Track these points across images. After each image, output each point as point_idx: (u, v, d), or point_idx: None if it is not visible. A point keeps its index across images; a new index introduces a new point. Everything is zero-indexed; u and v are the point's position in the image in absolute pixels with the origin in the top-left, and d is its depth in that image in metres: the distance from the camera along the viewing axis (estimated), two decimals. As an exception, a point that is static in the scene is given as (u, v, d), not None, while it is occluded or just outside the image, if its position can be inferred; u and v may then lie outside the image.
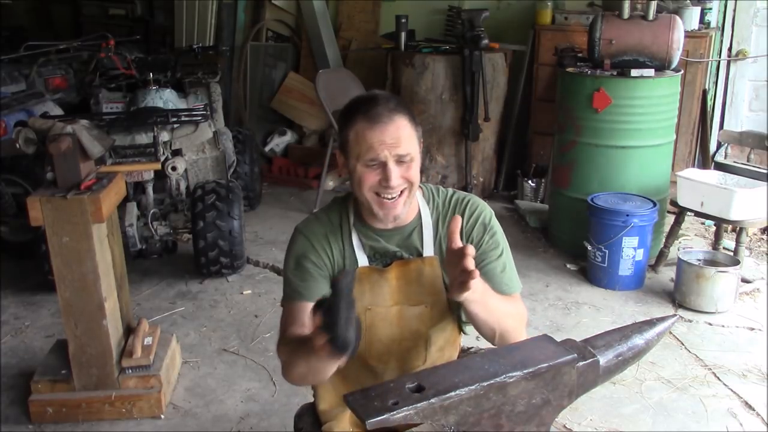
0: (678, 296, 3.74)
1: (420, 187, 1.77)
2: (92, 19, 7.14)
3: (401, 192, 1.63)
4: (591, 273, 4.01)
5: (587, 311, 3.71)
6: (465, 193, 1.80)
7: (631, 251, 3.80)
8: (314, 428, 1.86)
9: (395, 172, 1.59)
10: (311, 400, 2.02)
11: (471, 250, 1.44)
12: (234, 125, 5.77)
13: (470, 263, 1.43)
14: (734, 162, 4.45)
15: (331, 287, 1.33)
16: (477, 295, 1.51)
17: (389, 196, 1.62)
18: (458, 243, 1.49)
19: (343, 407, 1.72)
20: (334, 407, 1.82)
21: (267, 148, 6.31)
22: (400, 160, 1.60)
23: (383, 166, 1.59)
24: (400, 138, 1.58)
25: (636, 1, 4.37)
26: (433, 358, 1.76)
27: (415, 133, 1.64)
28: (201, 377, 3.17)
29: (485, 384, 1.27)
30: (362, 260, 1.71)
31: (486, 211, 1.76)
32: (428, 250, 1.72)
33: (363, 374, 1.76)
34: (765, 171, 4.00)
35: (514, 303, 1.72)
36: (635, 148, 4.13)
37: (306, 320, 1.63)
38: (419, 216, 1.73)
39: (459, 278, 1.45)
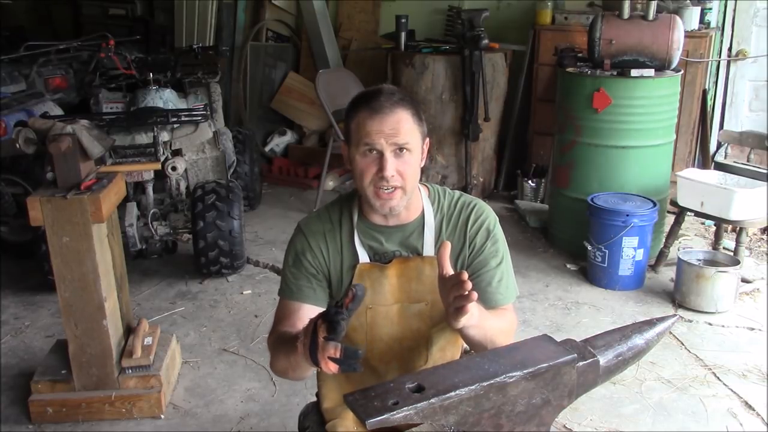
0: (678, 296, 3.74)
1: (426, 186, 1.78)
2: (92, 19, 7.13)
3: (398, 187, 1.62)
4: (591, 273, 4.01)
5: (587, 311, 3.71)
6: (472, 197, 1.79)
7: (631, 251, 3.80)
8: (319, 427, 1.87)
9: (391, 163, 1.59)
10: (311, 399, 2.02)
11: (465, 275, 1.42)
12: (234, 125, 5.77)
13: (468, 287, 1.40)
14: (734, 162, 4.45)
15: (341, 302, 1.35)
16: (475, 320, 1.50)
17: (385, 188, 1.62)
18: (449, 270, 1.47)
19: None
20: (338, 405, 1.83)
21: (267, 148, 6.31)
22: (398, 150, 1.60)
23: (380, 155, 1.60)
24: (399, 129, 1.59)
25: (636, 1, 4.37)
26: (435, 358, 1.76)
27: (418, 129, 1.64)
28: (201, 377, 3.17)
29: (485, 384, 1.27)
30: (363, 257, 1.72)
31: (491, 217, 1.76)
32: (429, 250, 1.72)
33: (365, 374, 1.76)
34: (765, 171, 3.99)
35: (506, 317, 1.71)
36: (635, 148, 4.13)
37: (295, 320, 1.68)
38: (422, 215, 1.73)
39: (454, 304, 1.43)
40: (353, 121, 1.63)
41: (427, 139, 1.70)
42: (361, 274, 1.70)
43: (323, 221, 1.75)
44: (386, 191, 1.62)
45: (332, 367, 1.30)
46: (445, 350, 1.78)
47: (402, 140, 1.59)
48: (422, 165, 1.69)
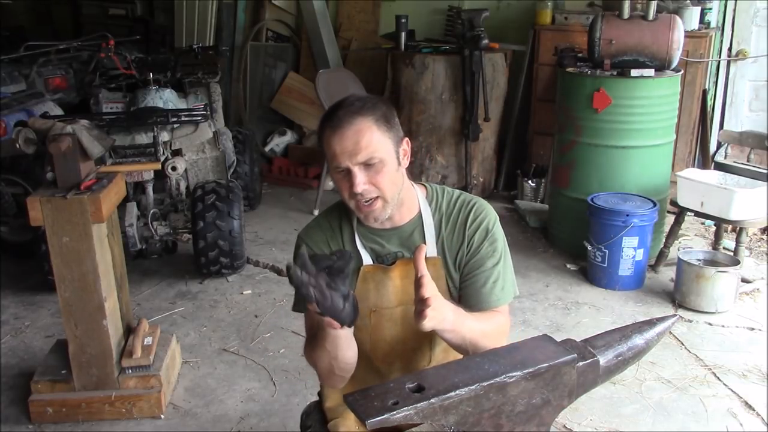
0: (678, 296, 3.74)
1: (425, 186, 1.77)
2: (92, 19, 7.14)
3: (376, 198, 1.61)
4: (591, 273, 4.01)
5: (587, 311, 3.71)
6: (472, 195, 1.78)
7: (631, 251, 3.80)
8: (321, 426, 1.88)
9: (360, 179, 1.57)
10: (311, 399, 2.03)
11: (427, 279, 1.46)
12: (234, 125, 5.77)
13: (425, 291, 1.44)
14: (734, 162, 4.45)
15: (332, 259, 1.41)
16: (448, 324, 1.51)
17: (363, 200, 1.61)
18: (422, 272, 1.48)
19: None
20: (340, 405, 1.83)
21: (267, 148, 6.31)
22: (367, 164, 1.58)
23: (349, 173, 1.58)
24: (359, 143, 1.56)
25: (636, 1, 4.37)
26: (438, 359, 1.76)
27: (386, 135, 1.59)
28: (201, 377, 3.17)
29: (485, 384, 1.26)
30: (366, 260, 1.71)
31: (490, 216, 1.74)
32: (431, 251, 1.71)
33: (369, 375, 1.76)
34: (765, 171, 4.00)
35: (495, 320, 1.69)
36: (635, 148, 4.13)
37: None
38: (419, 216, 1.73)
39: (417, 307, 1.45)
40: (322, 140, 1.62)
41: (406, 139, 1.67)
42: (365, 276, 1.70)
43: (323, 229, 1.75)
44: (365, 203, 1.62)
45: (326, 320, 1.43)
46: (449, 351, 1.77)
47: (365, 156, 1.56)
48: (405, 165, 1.67)
